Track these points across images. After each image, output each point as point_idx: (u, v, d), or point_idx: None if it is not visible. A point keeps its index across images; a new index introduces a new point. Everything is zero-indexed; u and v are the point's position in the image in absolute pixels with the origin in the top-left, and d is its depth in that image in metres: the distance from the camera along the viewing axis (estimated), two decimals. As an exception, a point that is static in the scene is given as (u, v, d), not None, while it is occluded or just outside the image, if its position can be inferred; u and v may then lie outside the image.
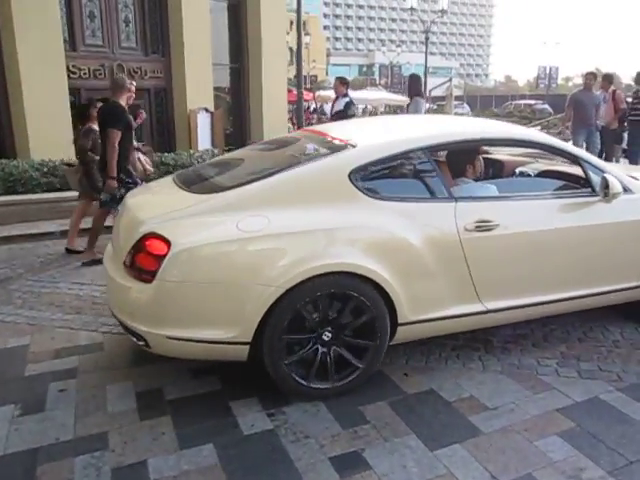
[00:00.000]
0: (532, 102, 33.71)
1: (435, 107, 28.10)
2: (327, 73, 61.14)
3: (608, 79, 9.08)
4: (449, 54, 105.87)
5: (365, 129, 3.76)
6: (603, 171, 3.31)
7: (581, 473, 2.29)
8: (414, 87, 8.11)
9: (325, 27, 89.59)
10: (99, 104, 5.47)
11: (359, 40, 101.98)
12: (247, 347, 2.69)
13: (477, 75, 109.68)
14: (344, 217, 2.79)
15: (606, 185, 3.18)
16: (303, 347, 2.78)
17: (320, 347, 2.78)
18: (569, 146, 3.49)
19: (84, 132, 5.61)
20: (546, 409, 2.73)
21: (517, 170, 4.08)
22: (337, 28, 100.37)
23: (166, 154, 8.23)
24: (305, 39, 33.43)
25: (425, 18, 41.64)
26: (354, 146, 3.00)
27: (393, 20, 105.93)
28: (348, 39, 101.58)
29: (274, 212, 2.72)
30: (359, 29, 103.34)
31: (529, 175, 3.97)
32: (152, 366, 3.17)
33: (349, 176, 2.85)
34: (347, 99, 7.79)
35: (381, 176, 3.01)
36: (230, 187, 2.88)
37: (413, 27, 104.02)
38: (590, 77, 8.82)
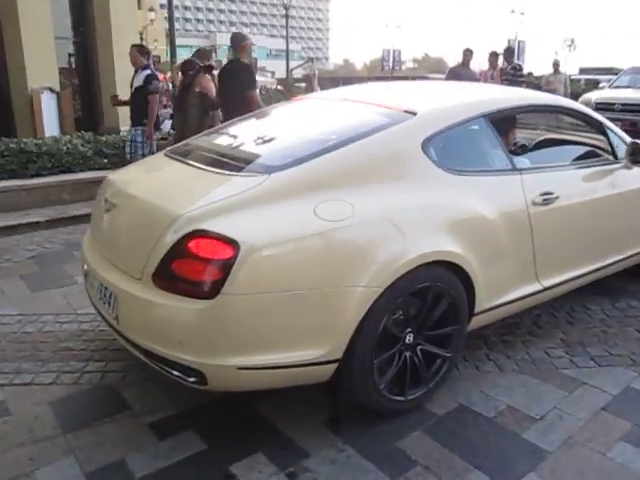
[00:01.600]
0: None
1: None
2: (168, 54, 57.51)
3: (495, 56, 9.38)
4: (290, 37, 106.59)
5: (405, 95, 3.15)
6: (623, 139, 3.30)
7: (678, 486, 1.99)
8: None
9: (162, 6, 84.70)
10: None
11: (198, 21, 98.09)
12: (334, 366, 2.11)
13: (317, 58, 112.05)
14: (427, 196, 2.36)
15: (635, 152, 3.14)
16: (394, 355, 2.29)
17: (406, 351, 2.33)
18: (598, 115, 3.40)
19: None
20: (592, 410, 2.41)
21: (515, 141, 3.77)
22: (175, 7, 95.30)
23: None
24: (150, 15, 30.58)
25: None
26: (413, 113, 2.50)
27: (232, 1, 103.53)
28: (186, 19, 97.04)
29: (350, 194, 2.15)
30: (198, 9, 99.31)
31: (524, 145, 3.68)
32: (95, 429, 2.30)
33: (422, 147, 2.37)
34: (147, 72, 5.91)
35: (449, 147, 2.57)
36: (284, 165, 2.21)
37: (253, 9, 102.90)
38: (467, 53, 9.03)
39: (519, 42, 29.25)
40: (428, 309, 2.32)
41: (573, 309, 3.42)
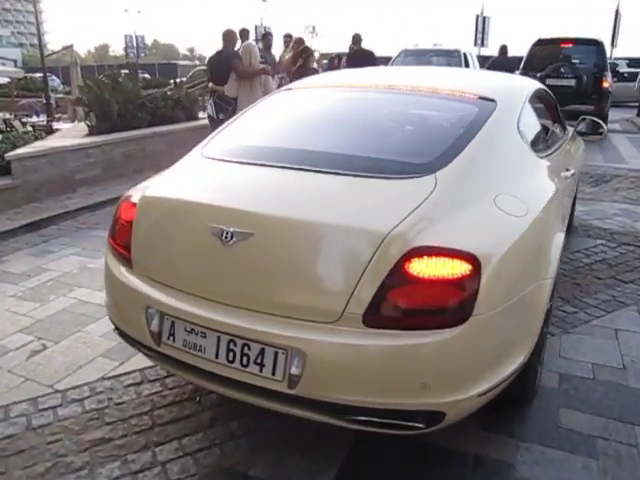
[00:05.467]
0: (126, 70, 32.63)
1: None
2: None
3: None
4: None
5: (446, 81, 3.01)
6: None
7: None
8: None
9: None
10: None
11: None
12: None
13: (32, 45, 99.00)
14: (541, 181, 2.44)
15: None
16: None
17: None
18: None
19: None
20: (647, 349, 2.84)
21: None
22: None
23: None
24: None
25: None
26: (492, 100, 2.46)
27: None
28: None
29: (507, 187, 2.10)
30: None
31: None
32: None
33: (519, 133, 2.42)
34: None
35: (525, 131, 2.55)
36: (434, 163, 2.02)
37: None
38: (269, 37, 9.11)
39: (265, 28, 30.41)
40: None
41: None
